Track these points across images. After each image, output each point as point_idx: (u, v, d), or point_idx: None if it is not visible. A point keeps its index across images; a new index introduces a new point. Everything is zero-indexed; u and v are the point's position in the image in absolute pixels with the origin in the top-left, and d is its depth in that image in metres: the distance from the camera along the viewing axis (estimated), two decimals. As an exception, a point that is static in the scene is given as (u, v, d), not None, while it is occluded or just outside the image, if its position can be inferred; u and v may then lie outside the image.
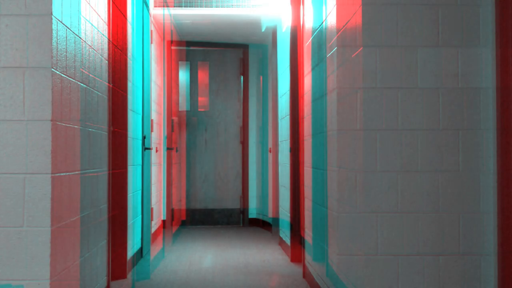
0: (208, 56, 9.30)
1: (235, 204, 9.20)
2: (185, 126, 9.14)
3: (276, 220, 7.78)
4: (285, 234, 6.71)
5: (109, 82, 4.41)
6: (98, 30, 4.02)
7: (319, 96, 4.36)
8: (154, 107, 7.22)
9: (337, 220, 3.71)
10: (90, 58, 3.79)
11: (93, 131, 3.85)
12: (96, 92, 3.95)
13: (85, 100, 3.62)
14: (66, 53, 3.17)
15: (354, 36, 3.28)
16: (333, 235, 3.85)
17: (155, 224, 7.33)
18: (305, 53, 5.07)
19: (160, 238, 7.66)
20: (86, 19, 3.68)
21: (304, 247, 5.27)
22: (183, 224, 8.92)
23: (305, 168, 5.19)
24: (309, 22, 4.87)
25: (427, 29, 3.12)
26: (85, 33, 3.66)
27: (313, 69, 4.65)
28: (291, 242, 6.06)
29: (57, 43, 2.99)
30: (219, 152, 9.23)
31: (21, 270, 2.88)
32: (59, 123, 3.03)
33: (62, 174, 3.09)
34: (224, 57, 9.31)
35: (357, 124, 3.20)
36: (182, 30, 8.27)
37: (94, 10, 3.92)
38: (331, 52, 3.88)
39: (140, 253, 6.05)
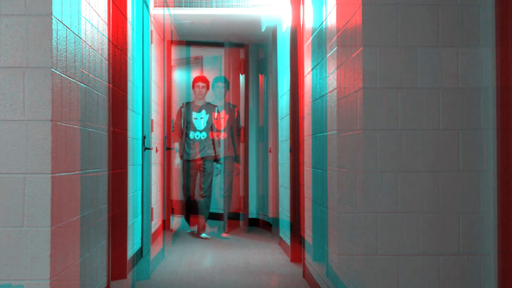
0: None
1: (235, 204, 9.19)
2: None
3: (276, 220, 7.78)
4: (285, 234, 6.71)
5: (109, 82, 4.41)
6: (98, 30, 4.02)
7: (319, 96, 4.36)
8: (154, 107, 7.22)
9: (337, 220, 3.71)
10: (90, 58, 3.79)
11: (93, 131, 3.85)
12: (96, 92, 3.95)
13: (85, 100, 3.62)
14: (66, 53, 3.17)
15: (354, 36, 3.28)
16: (333, 235, 3.85)
17: (155, 224, 7.33)
18: (305, 53, 5.07)
19: (160, 238, 7.66)
20: (86, 19, 3.68)
21: (304, 247, 5.27)
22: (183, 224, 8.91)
23: (305, 168, 5.19)
24: (309, 22, 4.87)
25: (427, 29, 3.12)
26: (85, 33, 3.66)
27: (313, 69, 4.65)
28: (291, 242, 6.06)
29: (57, 43, 2.99)
30: (219, 152, 9.22)
31: (21, 270, 2.88)
32: (59, 123, 3.03)
33: (62, 174, 3.09)
34: (222, 58, 9.30)
35: (357, 124, 3.20)
36: (182, 30, 8.27)
37: (94, 10, 3.92)
38: (331, 52, 3.88)
39: (140, 253, 6.05)
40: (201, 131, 7.85)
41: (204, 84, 7.95)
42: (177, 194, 8.92)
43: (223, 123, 8.15)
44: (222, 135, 8.14)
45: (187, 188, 7.92)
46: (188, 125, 7.86)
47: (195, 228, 8.08)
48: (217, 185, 8.66)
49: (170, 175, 8.14)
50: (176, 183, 8.80)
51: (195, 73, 9.26)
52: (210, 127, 7.87)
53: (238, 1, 7.14)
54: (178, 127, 7.93)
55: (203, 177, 7.86)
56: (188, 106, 7.92)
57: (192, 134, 7.83)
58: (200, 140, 7.83)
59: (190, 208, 8.00)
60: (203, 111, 7.90)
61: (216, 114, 8.02)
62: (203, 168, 7.84)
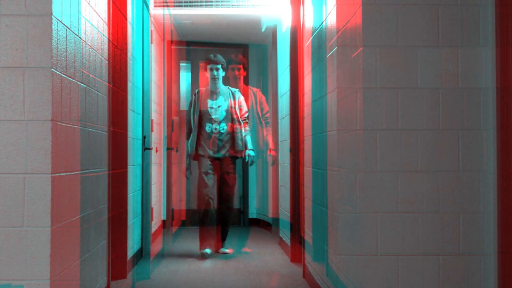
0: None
1: (235, 204, 9.20)
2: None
3: (276, 220, 7.78)
4: (285, 234, 6.71)
5: (109, 82, 4.41)
6: (98, 30, 4.02)
7: (319, 96, 4.36)
8: (154, 107, 7.22)
9: (337, 220, 3.71)
10: (90, 58, 3.79)
11: (93, 131, 3.85)
12: (96, 92, 3.95)
13: (85, 100, 3.62)
14: (66, 53, 3.17)
15: (354, 36, 3.28)
16: (333, 235, 3.85)
17: (155, 224, 7.33)
18: (305, 53, 5.07)
19: (160, 238, 7.66)
20: (86, 19, 3.68)
21: (304, 247, 5.27)
22: (183, 224, 8.92)
23: (305, 168, 5.19)
24: (309, 22, 4.87)
25: (427, 29, 3.12)
26: (85, 33, 3.66)
27: (313, 69, 4.65)
28: (291, 242, 6.06)
29: (57, 43, 2.99)
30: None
31: (21, 270, 2.88)
32: (59, 123, 3.03)
33: (62, 174, 3.09)
34: (224, 57, 9.30)
35: (357, 124, 3.20)
36: (182, 30, 8.27)
37: (94, 10, 3.92)
38: (331, 52, 3.88)
39: (140, 253, 6.05)
40: (219, 123, 6.44)
41: (218, 66, 6.52)
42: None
43: (243, 112, 6.56)
44: (243, 127, 6.54)
45: (206, 195, 6.44)
46: (203, 116, 6.44)
47: (210, 248, 6.49)
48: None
49: (170, 175, 8.12)
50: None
51: (194, 73, 9.26)
52: (230, 118, 6.44)
53: (238, 1, 7.14)
54: (188, 121, 6.57)
55: (226, 180, 6.51)
56: (200, 95, 6.54)
57: (208, 127, 6.44)
58: (220, 133, 6.42)
59: (210, 221, 6.51)
60: (221, 98, 6.49)
61: (235, 102, 6.52)
62: (223, 168, 6.49)
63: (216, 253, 6.53)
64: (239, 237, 7.90)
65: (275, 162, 7.34)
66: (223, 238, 6.63)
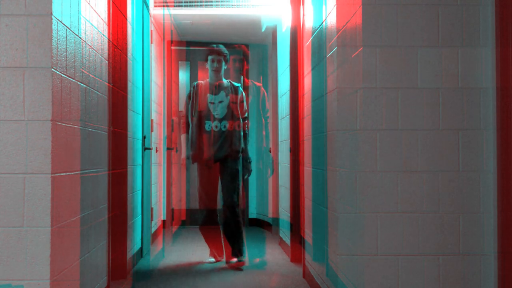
0: (208, 56, 9.28)
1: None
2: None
3: (276, 220, 7.78)
4: (285, 234, 6.71)
5: (109, 82, 4.41)
6: (98, 30, 4.02)
7: (319, 96, 4.36)
8: (154, 107, 7.23)
9: (337, 220, 3.71)
10: (90, 58, 3.79)
11: (93, 131, 3.85)
12: (96, 92, 3.95)
13: (85, 100, 3.61)
14: (66, 53, 3.17)
15: (354, 36, 3.28)
16: (333, 235, 3.85)
17: (155, 224, 7.33)
18: (305, 53, 5.07)
19: (160, 238, 7.66)
20: (86, 19, 3.68)
21: (304, 247, 5.27)
22: (183, 224, 8.92)
23: (305, 168, 5.19)
24: (309, 22, 4.87)
25: (427, 29, 3.12)
26: (85, 33, 3.66)
27: (313, 69, 4.65)
28: (291, 242, 6.06)
29: (57, 43, 2.99)
30: (219, 152, 9.19)
31: (21, 270, 2.88)
32: (59, 123, 3.03)
33: (62, 174, 3.09)
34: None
35: (357, 124, 3.20)
36: (182, 30, 8.28)
37: (94, 10, 3.92)
38: (331, 52, 3.88)
39: (140, 253, 6.05)
40: (220, 120, 5.83)
41: (220, 57, 5.89)
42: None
43: (244, 110, 5.98)
44: (243, 127, 5.95)
45: (208, 202, 6.02)
46: (202, 112, 5.85)
47: (221, 257, 6.10)
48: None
49: (170, 175, 8.12)
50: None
51: (194, 74, 9.26)
52: (231, 115, 5.84)
53: (238, 1, 7.14)
54: (186, 116, 5.97)
55: (227, 183, 5.97)
56: (199, 88, 5.93)
57: (208, 125, 5.84)
58: (220, 131, 5.83)
59: (215, 230, 6.11)
60: (222, 93, 5.88)
61: (237, 97, 5.93)
62: (225, 169, 5.94)
63: (226, 263, 5.93)
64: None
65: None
66: (233, 246, 6.01)
